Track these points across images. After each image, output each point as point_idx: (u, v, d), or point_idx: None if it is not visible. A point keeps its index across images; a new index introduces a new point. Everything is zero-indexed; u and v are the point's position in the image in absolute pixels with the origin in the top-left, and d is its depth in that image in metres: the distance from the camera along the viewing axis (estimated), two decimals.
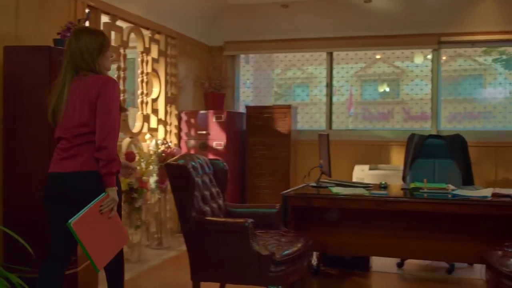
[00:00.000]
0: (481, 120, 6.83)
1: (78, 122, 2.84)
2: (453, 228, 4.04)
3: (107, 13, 4.97)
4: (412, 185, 4.27)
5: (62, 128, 2.89)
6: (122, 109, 3.18)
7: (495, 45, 6.68)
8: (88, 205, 2.75)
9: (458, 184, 4.71)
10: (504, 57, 6.80)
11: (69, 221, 2.68)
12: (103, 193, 2.81)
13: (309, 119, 7.24)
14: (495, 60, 6.84)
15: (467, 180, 4.88)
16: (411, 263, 4.89)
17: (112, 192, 2.83)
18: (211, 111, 6.44)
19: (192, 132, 6.44)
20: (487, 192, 3.99)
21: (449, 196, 3.93)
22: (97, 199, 2.79)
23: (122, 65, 5.21)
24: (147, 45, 5.71)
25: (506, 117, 6.69)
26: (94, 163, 2.81)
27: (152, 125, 5.88)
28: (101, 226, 2.82)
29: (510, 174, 6.36)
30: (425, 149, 5.04)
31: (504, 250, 3.31)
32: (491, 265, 3.24)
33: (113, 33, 5.12)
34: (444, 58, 6.88)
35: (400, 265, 4.82)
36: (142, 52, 5.69)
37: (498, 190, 4.01)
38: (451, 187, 4.15)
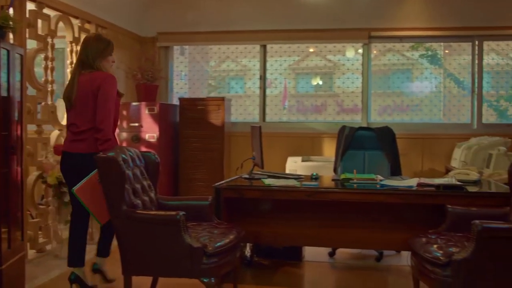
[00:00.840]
0: (409, 113, 7.07)
1: (85, 111, 3.68)
2: (381, 217, 4.16)
3: (33, 0, 4.77)
4: (342, 176, 4.36)
5: (73, 115, 3.75)
6: (120, 94, 3.90)
7: (422, 41, 6.93)
8: (87, 176, 3.56)
9: (387, 174, 4.87)
10: (430, 52, 7.06)
11: (73, 188, 3.57)
12: None
13: (243, 112, 7.26)
14: (421, 56, 7.09)
15: (395, 171, 5.05)
16: (342, 252, 5.01)
17: None
18: (143, 103, 6.34)
19: (124, 124, 6.32)
20: (413, 182, 4.14)
21: (377, 186, 4.05)
22: (94, 171, 3.52)
23: (50, 55, 5.04)
24: (76, 35, 5.53)
25: (431, 110, 6.97)
26: (95, 146, 3.64)
27: None
28: (99, 192, 3.46)
29: (435, 165, 6.63)
30: (355, 141, 5.16)
31: (428, 237, 3.44)
32: (415, 251, 3.37)
33: (40, 22, 4.92)
34: (374, 52, 7.07)
35: (331, 254, 4.93)
36: (71, 42, 5.51)
37: (423, 180, 4.16)
38: (379, 177, 4.28)
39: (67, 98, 3.75)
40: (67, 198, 4.81)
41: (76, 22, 5.56)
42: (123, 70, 6.54)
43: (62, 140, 5.11)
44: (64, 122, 5.33)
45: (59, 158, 4.08)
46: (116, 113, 3.87)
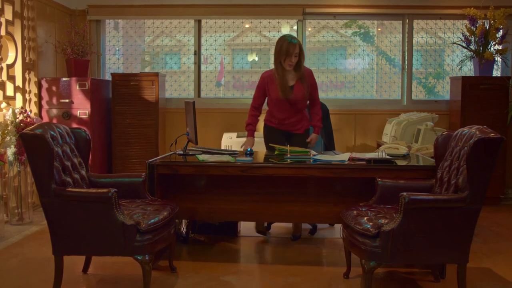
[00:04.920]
0: (343, 89, 7.19)
1: None
2: (314, 191, 4.25)
3: None
4: (276, 151, 4.40)
5: None
6: (270, 92, 4.72)
7: (355, 18, 7.04)
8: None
9: (320, 149, 4.96)
10: (363, 30, 7.18)
11: None
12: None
13: (178, 87, 7.17)
14: (354, 33, 7.20)
15: (329, 146, 5.14)
16: (277, 226, 5.09)
17: None
18: (74, 79, 6.13)
19: (54, 101, 6.10)
20: (344, 156, 4.22)
21: (311, 161, 4.11)
22: None
23: None
24: None
25: (364, 86, 7.12)
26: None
27: (9, 93, 5.48)
28: None
29: (367, 140, 6.81)
30: None
31: (359, 210, 3.53)
32: (347, 224, 3.46)
33: None
34: (309, 29, 7.12)
35: (266, 228, 4.99)
36: None
37: (355, 155, 4.25)
38: (312, 152, 4.34)
39: None
40: None
41: None
42: (52, 44, 6.29)
43: None
44: None
45: None
46: (273, 105, 4.79)
